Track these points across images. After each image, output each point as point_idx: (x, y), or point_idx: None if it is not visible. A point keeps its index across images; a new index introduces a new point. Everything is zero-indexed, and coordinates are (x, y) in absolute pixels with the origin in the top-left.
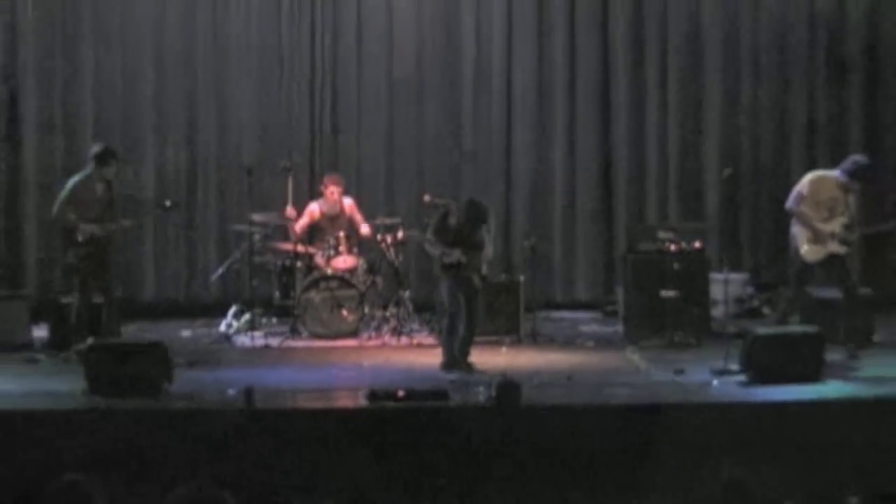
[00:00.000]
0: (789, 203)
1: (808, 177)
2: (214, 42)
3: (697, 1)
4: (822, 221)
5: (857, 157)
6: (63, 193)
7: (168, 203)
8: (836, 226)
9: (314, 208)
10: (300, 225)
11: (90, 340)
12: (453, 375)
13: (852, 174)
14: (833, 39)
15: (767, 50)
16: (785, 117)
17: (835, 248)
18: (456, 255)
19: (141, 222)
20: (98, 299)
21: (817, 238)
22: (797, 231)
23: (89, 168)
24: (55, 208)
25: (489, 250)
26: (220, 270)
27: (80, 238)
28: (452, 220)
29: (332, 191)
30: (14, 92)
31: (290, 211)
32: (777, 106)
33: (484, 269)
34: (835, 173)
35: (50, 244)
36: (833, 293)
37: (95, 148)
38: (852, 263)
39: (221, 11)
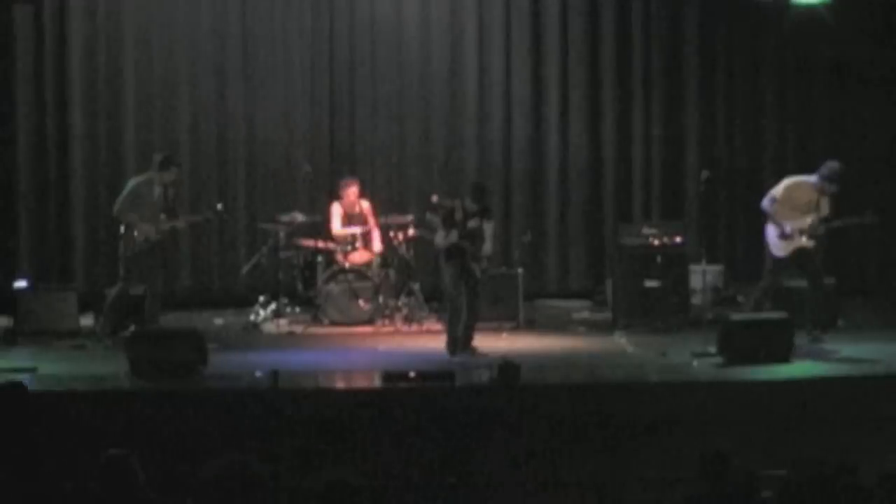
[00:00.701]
0: (764, 203)
1: (785, 182)
2: (244, 55)
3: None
4: (792, 220)
5: (832, 163)
6: (124, 193)
7: (220, 207)
8: (803, 223)
9: (337, 208)
10: (335, 226)
11: (132, 328)
12: (458, 358)
13: (829, 178)
14: (802, 51)
15: (742, 63)
16: (758, 125)
17: (802, 242)
18: (454, 235)
19: (194, 223)
20: (138, 291)
21: (785, 235)
22: (769, 229)
23: (151, 172)
24: (116, 206)
25: (488, 246)
26: (250, 265)
27: (136, 235)
28: (458, 215)
29: (351, 192)
30: (63, 100)
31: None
32: (750, 115)
33: (484, 263)
34: (812, 179)
35: (97, 240)
36: (801, 283)
37: (158, 155)
38: (819, 255)
39: (250, 27)
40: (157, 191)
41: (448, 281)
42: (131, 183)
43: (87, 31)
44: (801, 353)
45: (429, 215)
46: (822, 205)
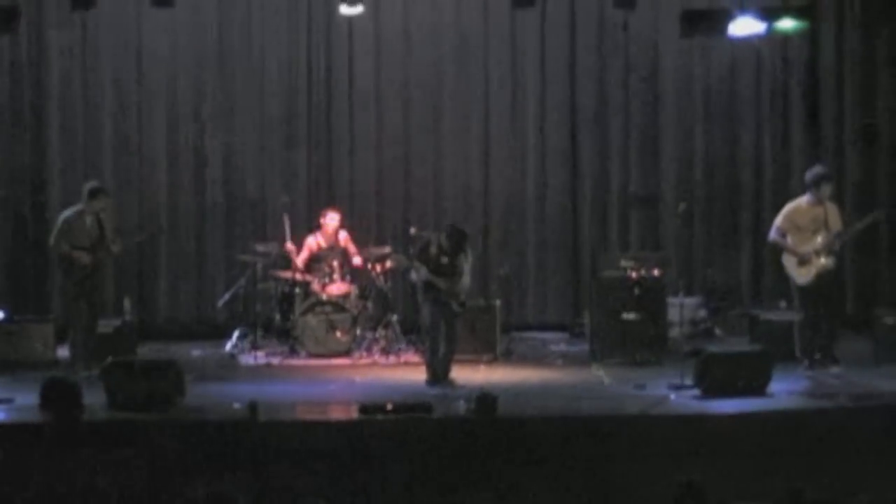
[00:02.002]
0: (770, 236)
1: (784, 210)
2: (221, 83)
3: (656, 53)
4: (805, 243)
5: (812, 169)
6: (56, 226)
7: (153, 229)
8: (815, 243)
9: (312, 241)
10: (301, 258)
11: (109, 359)
12: (436, 390)
13: (815, 183)
14: (777, 82)
15: (717, 94)
16: (735, 159)
17: (822, 263)
18: (423, 272)
19: (130, 247)
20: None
21: (802, 260)
22: (785, 260)
23: (80, 204)
24: (51, 240)
25: (467, 280)
26: (227, 296)
27: (72, 265)
28: (433, 250)
29: (330, 219)
30: (39, 132)
31: (289, 246)
32: (727, 148)
33: (462, 297)
34: (804, 198)
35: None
36: (783, 316)
37: (87, 185)
38: (846, 275)
39: (227, 56)
40: (89, 220)
41: (427, 315)
42: (62, 216)
43: (64, 63)
44: (783, 386)
45: (403, 258)
46: (830, 220)
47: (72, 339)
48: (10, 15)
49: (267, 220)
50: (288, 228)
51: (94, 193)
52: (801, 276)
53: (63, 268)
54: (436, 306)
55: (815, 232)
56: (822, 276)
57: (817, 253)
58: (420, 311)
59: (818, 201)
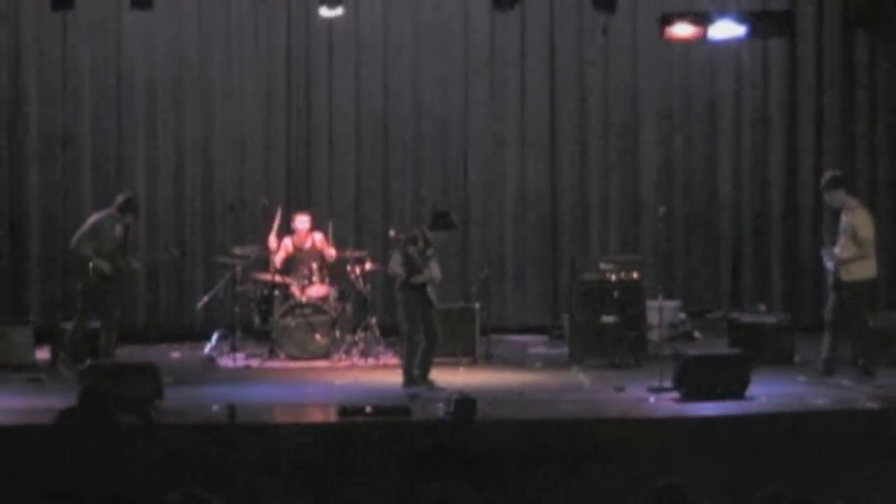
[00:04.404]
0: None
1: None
2: (200, 86)
3: (635, 55)
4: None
5: (826, 174)
6: (84, 227)
7: (175, 251)
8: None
9: (287, 243)
10: (279, 259)
11: (88, 362)
12: (414, 391)
13: (823, 190)
14: (756, 94)
15: (697, 102)
16: (714, 163)
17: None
18: (424, 276)
19: (151, 263)
20: (96, 325)
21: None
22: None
23: (112, 210)
24: (74, 240)
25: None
26: (206, 299)
27: (91, 271)
28: (411, 249)
29: (300, 222)
30: (16, 134)
31: (272, 241)
32: (706, 152)
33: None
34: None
35: (52, 274)
36: (763, 318)
37: (121, 196)
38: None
39: (206, 58)
40: (118, 229)
41: (403, 313)
42: (93, 218)
43: (43, 69)
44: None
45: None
46: (844, 223)
47: (70, 338)
48: None
49: (245, 222)
50: (276, 226)
51: (128, 204)
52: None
53: (78, 270)
54: (413, 299)
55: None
56: (838, 284)
57: (840, 262)
58: (399, 310)
59: (832, 208)
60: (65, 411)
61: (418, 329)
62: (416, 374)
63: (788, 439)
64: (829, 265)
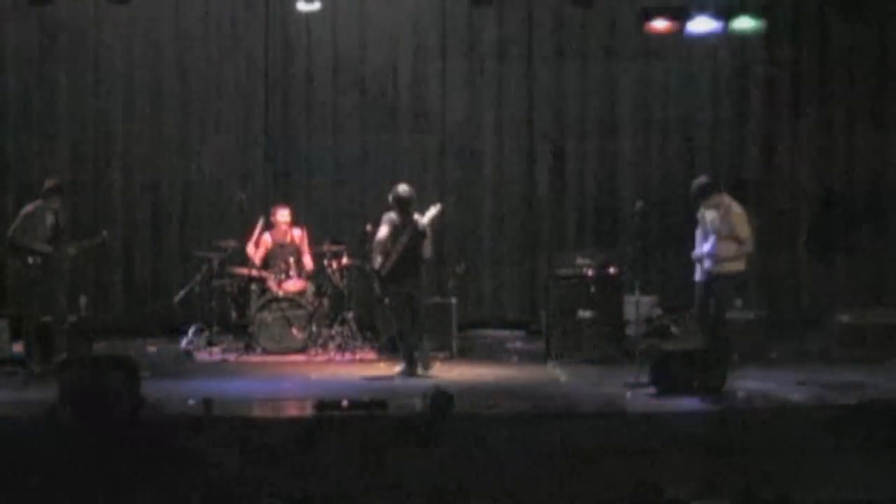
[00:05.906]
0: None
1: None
2: (179, 82)
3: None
4: None
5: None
6: (17, 220)
7: (105, 233)
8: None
9: (266, 238)
10: (258, 255)
11: (63, 355)
12: (406, 377)
13: (698, 199)
14: (735, 90)
15: (675, 100)
16: (692, 157)
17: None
18: (376, 262)
19: (86, 248)
20: (46, 318)
21: None
22: None
23: (40, 200)
24: (10, 232)
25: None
26: (183, 292)
27: (30, 260)
28: (392, 234)
29: (281, 216)
30: None
31: (251, 249)
32: (683, 149)
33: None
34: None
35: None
36: (739, 314)
37: (48, 182)
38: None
39: (185, 54)
40: (49, 217)
41: (395, 315)
42: (25, 210)
43: (21, 68)
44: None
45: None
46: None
47: (25, 334)
48: None
49: (223, 216)
50: (256, 234)
51: (53, 191)
52: None
53: (20, 261)
54: (402, 299)
55: None
56: None
57: None
58: (382, 307)
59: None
60: (53, 407)
61: (406, 323)
62: (414, 360)
63: (764, 434)
64: (708, 264)
